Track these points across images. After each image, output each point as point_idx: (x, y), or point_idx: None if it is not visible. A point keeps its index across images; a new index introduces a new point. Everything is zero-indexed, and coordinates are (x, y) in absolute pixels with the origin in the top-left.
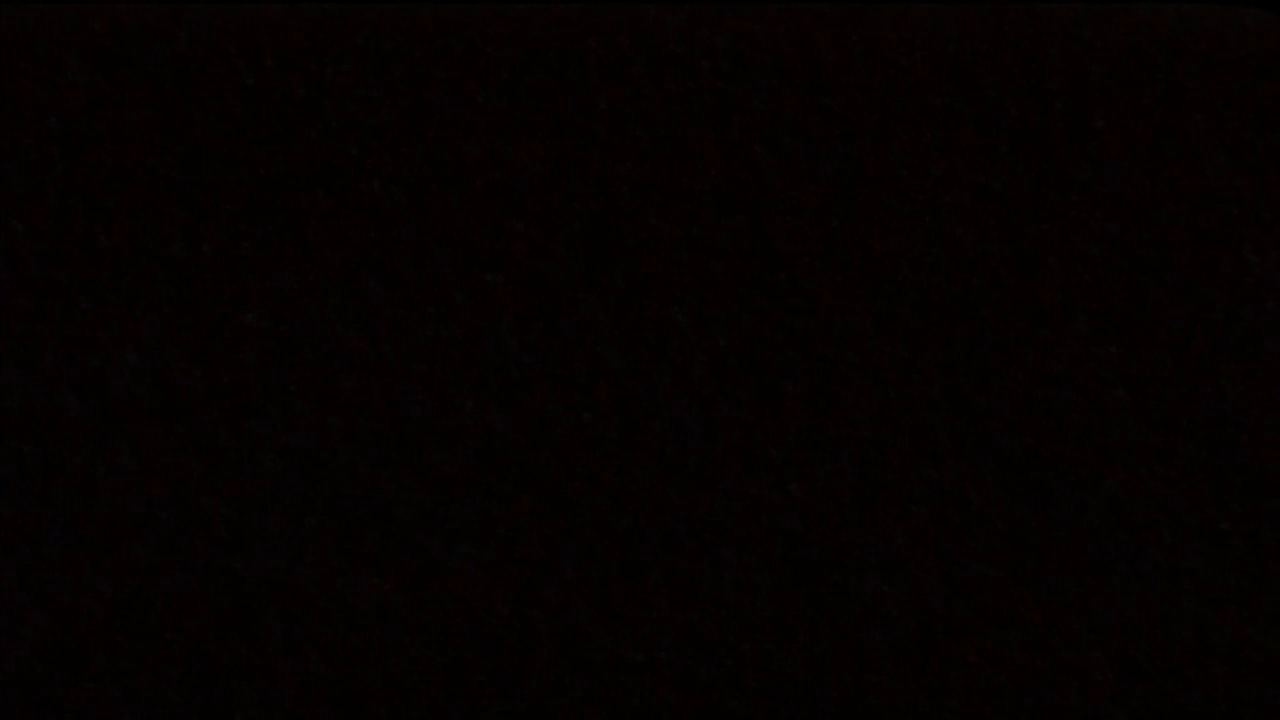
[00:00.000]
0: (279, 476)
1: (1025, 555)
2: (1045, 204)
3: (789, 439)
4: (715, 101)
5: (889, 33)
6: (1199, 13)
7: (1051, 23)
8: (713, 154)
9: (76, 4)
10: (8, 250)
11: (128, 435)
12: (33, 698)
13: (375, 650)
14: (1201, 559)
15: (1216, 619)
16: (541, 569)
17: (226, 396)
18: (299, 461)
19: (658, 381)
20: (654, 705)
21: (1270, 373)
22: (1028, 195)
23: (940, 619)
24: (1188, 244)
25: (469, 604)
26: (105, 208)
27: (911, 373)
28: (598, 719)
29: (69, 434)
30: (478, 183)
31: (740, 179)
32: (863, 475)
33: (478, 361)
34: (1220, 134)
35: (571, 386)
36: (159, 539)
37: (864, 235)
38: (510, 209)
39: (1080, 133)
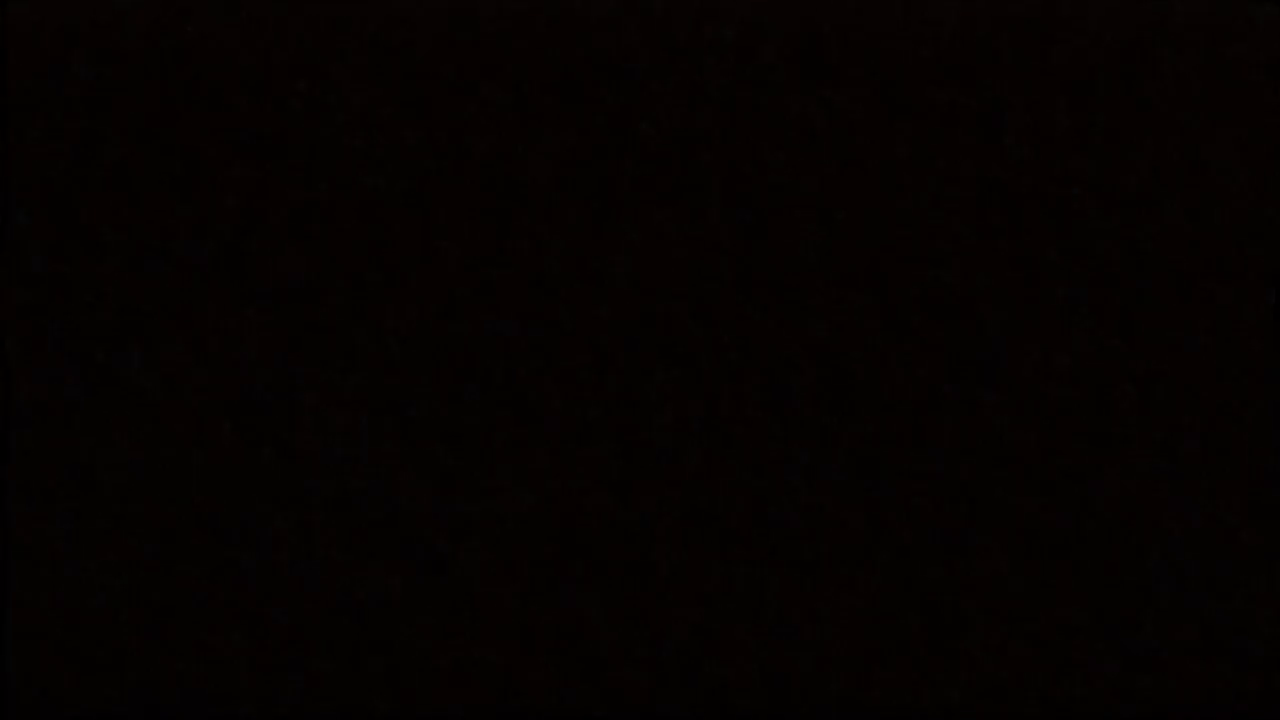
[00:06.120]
0: (281, 471)
1: (1026, 553)
2: (1046, 199)
3: (791, 435)
4: (720, 94)
5: (891, 28)
6: (1200, 9)
7: (1053, 17)
8: (717, 147)
9: (79, 0)
10: (11, 245)
11: (130, 430)
12: (35, 694)
13: (377, 647)
14: (1201, 558)
15: (1217, 617)
16: (543, 567)
17: (229, 391)
18: (301, 457)
19: (660, 377)
20: (654, 703)
21: (1270, 370)
22: (1029, 190)
23: (941, 618)
24: (1188, 240)
25: (471, 601)
26: (108, 203)
27: (912, 369)
28: (599, 717)
29: (72, 429)
30: (481, 176)
31: (745, 172)
32: (863, 472)
33: (481, 357)
34: (1221, 130)
35: (574, 382)
36: (161, 533)
37: (867, 228)
38: (514, 203)
39: (1081, 128)
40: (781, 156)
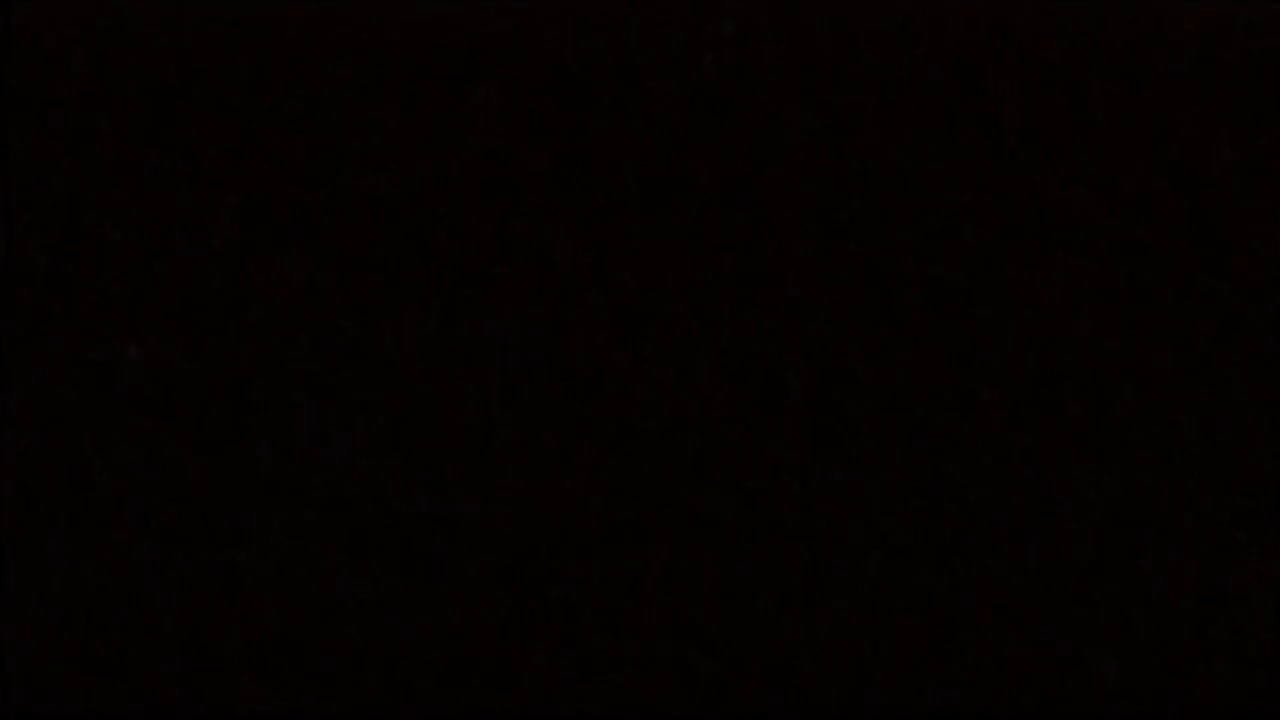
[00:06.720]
0: (279, 471)
1: (1025, 553)
2: (1045, 200)
3: (790, 436)
4: (717, 95)
5: (890, 29)
6: (1201, 10)
7: (1052, 19)
8: (715, 147)
9: (79, 0)
10: (11, 245)
11: (129, 429)
12: (34, 693)
13: (375, 647)
14: (1201, 558)
15: (1217, 617)
16: (541, 566)
17: (228, 391)
18: (299, 456)
19: (659, 377)
20: (653, 704)
21: (1270, 369)
22: (1028, 191)
23: (941, 617)
24: (1187, 240)
25: (468, 601)
26: (108, 203)
27: (912, 370)
28: (597, 718)
29: (71, 427)
30: (479, 177)
31: (742, 173)
32: (863, 472)
33: (479, 357)
34: (1220, 131)
35: (573, 382)
36: (160, 533)
37: (864, 230)
38: (512, 203)
39: (1080, 129)
40: (780, 156)
